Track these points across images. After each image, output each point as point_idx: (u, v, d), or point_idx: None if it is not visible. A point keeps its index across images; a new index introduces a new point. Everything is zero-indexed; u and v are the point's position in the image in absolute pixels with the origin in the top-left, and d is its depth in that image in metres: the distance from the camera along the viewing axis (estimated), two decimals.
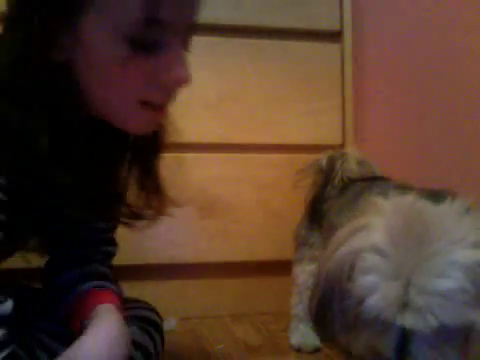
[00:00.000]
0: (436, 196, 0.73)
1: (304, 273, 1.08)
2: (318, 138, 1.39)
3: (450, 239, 0.59)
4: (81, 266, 0.85)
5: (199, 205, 1.33)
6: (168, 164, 1.31)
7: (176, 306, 1.30)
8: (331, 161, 1.04)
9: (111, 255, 0.92)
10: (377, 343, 0.62)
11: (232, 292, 1.35)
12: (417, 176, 1.20)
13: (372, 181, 0.95)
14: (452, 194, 0.76)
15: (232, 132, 1.36)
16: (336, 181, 1.00)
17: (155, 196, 0.83)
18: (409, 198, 0.66)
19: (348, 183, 0.99)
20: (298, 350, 1.08)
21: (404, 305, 0.58)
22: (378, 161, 1.09)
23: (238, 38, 1.37)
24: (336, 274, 0.65)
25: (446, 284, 0.57)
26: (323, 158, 1.06)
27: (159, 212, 0.84)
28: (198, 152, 1.34)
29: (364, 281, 0.61)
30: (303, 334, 1.10)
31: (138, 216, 0.82)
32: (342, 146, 1.36)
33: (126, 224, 0.83)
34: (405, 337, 0.60)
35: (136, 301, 0.93)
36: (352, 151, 1.05)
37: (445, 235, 0.59)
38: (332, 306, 0.66)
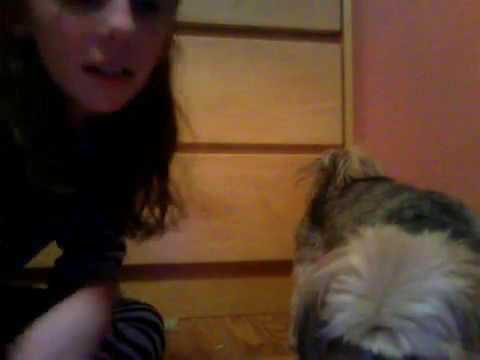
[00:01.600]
0: (421, 219, 0.74)
1: (305, 273, 1.07)
2: (318, 138, 1.39)
3: (428, 265, 0.58)
4: (84, 267, 0.84)
5: (199, 205, 1.33)
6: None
7: (176, 306, 1.30)
8: (333, 160, 1.03)
9: (119, 261, 0.91)
10: None
11: (232, 292, 1.34)
12: (418, 176, 1.20)
13: (374, 181, 0.95)
14: (451, 199, 0.77)
15: (232, 132, 1.36)
16: (338, 180, 1.00)
17: (165, 206, 0.82)
18: (391, 228, 0.66)
19: (350, 183, 0.99)
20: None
21: (375, 328, 0.55)
22: (378, 161, 1.08)
23: (237, 38, 1.37)
24: (311, 299, 0.63)
25: (422, 309, 0.55)
26: (325, 156, 1.06)
27: (173, 223, 0.84)
28: (198, 152, 1.34)
29: (335, 300, 0.59)
30: None
31: (145, 227, 0.82)
32: (342, 146, 1.36)
33: (133, 235, 0.83)
34: None
35: (136, 302, 0.93)
36: (355, 150, 1.04)
37: (423, 261, 0.58)
38: (307, 333, 0.64)
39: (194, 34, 1.31)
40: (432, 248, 0.60)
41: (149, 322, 0.89)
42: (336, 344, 0.60)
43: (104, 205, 0.78)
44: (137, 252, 1.28)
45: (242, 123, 1.36)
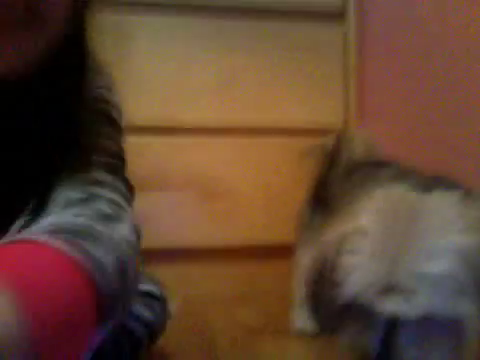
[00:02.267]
0: (432, 184, 0.72)
1: (307, 257, 1.07)
2: (320, 121, 1.38)
3: (441, 222, 0.57)
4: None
5: (200, 189, 1.32)
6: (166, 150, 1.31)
7: (177, 290, 1.29)
8: (337, 143, 1.02)
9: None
10: (361, 338, 0.59)
11: (234, 275, 1.34)
12: (423, 159, 1.19)
13: (379, 165, 0.94)
14: (453, 180, 0.76)
15: (233, 116, 1.35)
16: (342, 164, 0.99)
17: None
18: (401, 187, 0.65)
19: (354, 166, 0.98)
20: (301, 333, 1.08)
21: (388, 288, 0.54)
22: (382, 144, 1.07)
23: (237, 20, 1.35)
24: (322, 262, 0.63)
25: (437, 267, 0.54)
26: (329, 139, 1.05)
27: None
28: (198, 136, 1.33)
29: (347, 262, 0.58)
30: (306, 317, 1.09)
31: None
32: (345, 129, 1.35)
33: None
34: (390, 330, 0.56)
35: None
36: (359, 133, 1.03)
37: (436, 218, 0.57)
38: (320, 297, 0.64)
39: (192, 16, 1.29)
40: (444, 205, 0.59)
41: (152, 294, 0.87)
42: (349, 306, 0.59)
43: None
44: (140, 233, 1.29)
45: (243, 106, 1.35)
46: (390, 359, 0.57)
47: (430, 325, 0.56)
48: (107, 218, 0.56)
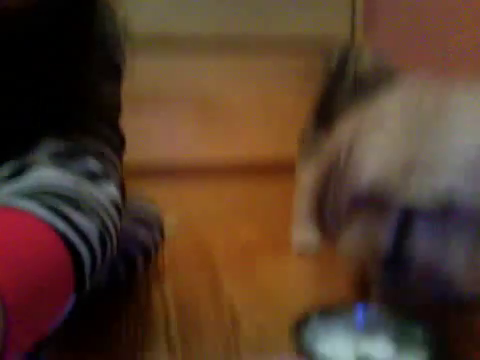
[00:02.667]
0: None
1: (309, 175, 1.04)
2: (325, 30, 1.30)
3: (471, 113, 0.53)
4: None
5: (198, 107, 1.28)
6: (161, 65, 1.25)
7: (176, 209, 1.28)
8: (343, 57, 0.96)
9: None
10: (371, 233, 0.56)
11: (233, 193, 1.33)
12: (432, 70, 1.13)
13: (388, 79, 0.88)
14: None
15: (231, 24, 1.27)
16: (348, 81, 0.93)
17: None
18: (420, 83, 0.60)
19: (361, 83, 0.92)
20: (300, 251, 1.08)
21: (408, 169, 0.51)
22: (390, 56, 1.01)
23: None
24: (335, 153, 0.59)
25: (462, 154, 0.51)
26: (334, 55, 0.98)
27: None
28: (194, 50, 1.27)
29: (362, 150, 0.54)
30: (306, 236, 1.09)
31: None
32: (351, 39, 1.28)
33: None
34: (404, 222, 0.53)
35: (134, 198, 0.89)
36: (367, 47, 0.96)
37: (465, 109, 0.54)
38: (327, 199, 0.61)
39: None
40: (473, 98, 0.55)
41: (149, 217, 0.87)
42: (360, 200, 0.56)
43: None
44: (136, 153, 1.26)
45: (241, 14, 1.27)
46: (402, 253, 0.54)
47: (448, 216, 0.53)
48: (94, 177, 0.55)
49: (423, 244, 0.53)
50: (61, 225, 0.45)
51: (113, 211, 0.55)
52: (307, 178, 1.05)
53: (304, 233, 1.08)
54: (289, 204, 1.11)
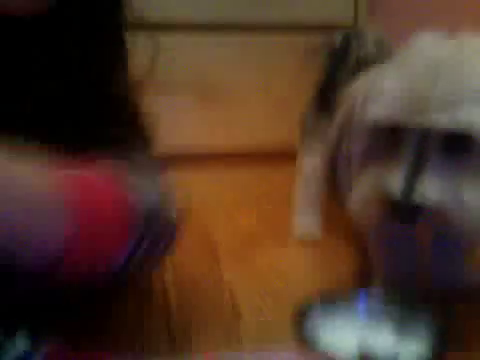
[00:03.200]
0: None
1: (310, 163, 1.03)
2: (327, 17, 1.28)
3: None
4: None
5: (197, 92, 1.26)
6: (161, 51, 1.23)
7: (176, 197, 1.27)
8: (346, 40, 0.95)
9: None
10: (382, 180, 0.54)
11: (234, 182, 1.32)
12: None
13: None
14: None
15: (232, 10, 1.25)
16: (350, 64, 0.92)
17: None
18: (433, 37, 0.60)
19: (364, 67, 0.90)
20: (300, 238, 1.07)
21: (425, 100, 0.50)
22: (394, 42, 1.00)
23: None
24: (348, 110, 0.58)
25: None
26: (337, 37, 0.96)
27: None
28: (195, 34, 1.25)
29: (380, 86, 0.54)
30: (306, 223, 1.08)
31: None
32: (354, 25, 1.26)
33: None
34: (417, 162, 0.51)
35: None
36: (369, 30, 0.95)
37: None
38: (340, 155, 0.60)
39: None
40: None
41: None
42: (373, 143, 0.56)
43: None
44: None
45: (243, 1, 1.25)
46: (414, 197, 0.52)
47: (463, 154, 0.51)
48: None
49: (436, 186, 0.51)
50: (133, 196, 0.57)
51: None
52: (308, 164, 1.04)
53: (305, 220, 1.08)
54: (290, 191, 1.10)
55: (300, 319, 0.64)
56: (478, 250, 0.83)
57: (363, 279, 0.86)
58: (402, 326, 0.65)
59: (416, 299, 0.68)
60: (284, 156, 1.19)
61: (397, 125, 0.53)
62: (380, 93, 0.53)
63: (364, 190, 0.57)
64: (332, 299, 0.67)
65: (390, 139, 0.54)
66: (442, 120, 0.50)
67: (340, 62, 0.95)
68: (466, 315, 0.75)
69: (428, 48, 0.55)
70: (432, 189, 0.51)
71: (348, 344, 0.59)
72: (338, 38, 0.96)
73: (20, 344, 0.51)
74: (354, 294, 0.68)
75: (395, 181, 0.52)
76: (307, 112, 1.05)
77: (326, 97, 0.97)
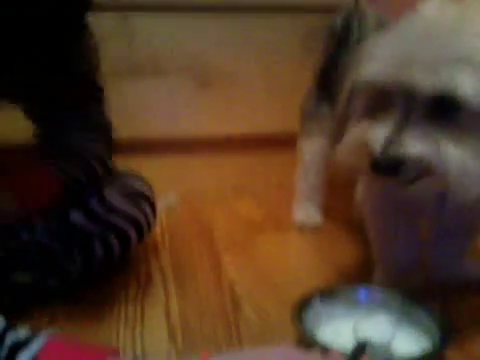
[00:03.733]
0: None
1: (311, 148, 1.01)
2: None
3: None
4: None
5: (196, 74, 1.24)
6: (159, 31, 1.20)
7: (176, 181, 1.26)
8: (346, 22, 0.92)
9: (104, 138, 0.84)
10: (368, 135, 0.55)
11: (234, 166, 1.30)
12: None
13: None
14: None
15: None
16: (351, 46, 0.89)
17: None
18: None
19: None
20: (301, 226, 1.06)
21: (413, 61, 0.52)
22: (395, 21, 0.97)
23: None
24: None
25: (469, 47, 0.50)
26: (337, 18, 0.94)
27: None
28: (193, 15, 1.22)
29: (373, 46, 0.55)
30: (306, 210, 1.07)
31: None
32: (356, 5, 1.22)
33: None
34: (402, 122, 0.53)
35: (126, 174, 0.88)
36: (370, 9, 0.92)
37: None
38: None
39: None
40: None
41: (140, 194, 0.85)
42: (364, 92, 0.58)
43: None
44: (133, 124, 1.23)
45: None
46: (397, 152, 0.53)
47: (449, 121, 0.52)
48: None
49: (416, 142, 0.52)
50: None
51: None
52: (309, 149, 1.02)
53: (306, 206, 1.06)
54: (291, 176, 1.09)
55: (300, 314, 0.62)
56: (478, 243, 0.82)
57: (364, 271, 0.85)
58: (402, 321, 0.64)
59: (416, 292, 0.66)
60: (285, 141, 1.17)
61: (386, 85, 0.54)
62: (374, 55, 0.55)
63: (350, 142, 0.58)
64: (332, 293, 0.66)
65: (382, 98, 0.56)
66: (425, 82, 0.50)
67: (341, 44, 0.92)
68: (464, 309, 0.74)
69: (428, 13, 0.55)
70: (412, 144, 0.52)
71: (348, 338, 0.58)
72: (339, 20, 0.94)
73: (21, 333, 0.50)
74: (355, 289, 0.66)
75: (378, 136, 0.53)
76: (308, 95, 1.03)
77: (327, 80, 0.95)
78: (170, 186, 1.22)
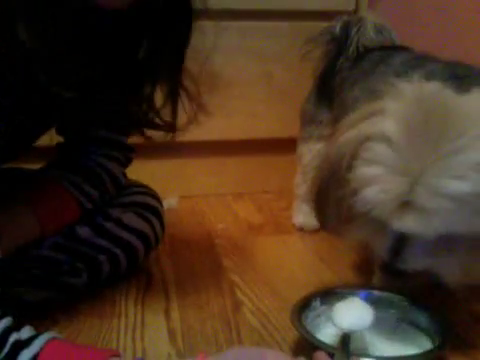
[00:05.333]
0: (463, 78, 0.65)
1: (310, 152, 1.02)
2: (328, 3, 1.25)
3: (474, 135, 0.51)
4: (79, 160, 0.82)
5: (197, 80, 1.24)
6: None
7: (177, 184, 1.26)
8: (345, 27, 0.93)
9: (124, 162, 0.87)
10: (371, 242, 0.58)
11: (234, 170, 1.31)
12: (439, 45, 1.09)
13: (392, 50, 0.85)
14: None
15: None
16: (350, 50, 0.90)
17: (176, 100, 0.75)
18: (435, 85, 0.57)
19: (364, 53, 0.89)
20: (300, 229, 1.07)
21: (406, 205, 0.51)
22: (395, 29, 0.98)
23: None
24: (337, 160, 0.58)
25: (461, 187, 0.49)
26: (336, 24, 0.95)
27: (190, 121, 0.79)
28: (193, 20, 1.22)
29: (364, 171, 0.54)
30: (306, 214, 1.07)
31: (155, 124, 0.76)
32: (355, 12, 1.23)
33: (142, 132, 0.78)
34: (401, 240, 0.55)
35: (134, 186, 0.89)
36: (370, 16, 0.93)
37: (469, 130, 0.51)
38: (329, 194, 0.62)
39: None
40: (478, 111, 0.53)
41: (147, 206, 0.85)
42: (362, 215, 0.57)
43: (110, 97, 0.71)
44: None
45: None
46: (399, 262, 0.56)
47: (446, 242, 0.54)
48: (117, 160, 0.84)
49: (419, 255, 0.55)
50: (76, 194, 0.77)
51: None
52: (308, 153, 1.02)
53: (305, 211, 1.06)
54: (290, 180, 1.09)
55: (300, 315, 0.63)
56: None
57: (363, 273, 0.85)
58: (401, 320, 0.65)
59: (416, 294, 0.67)
60: (284, 145, 1.18)
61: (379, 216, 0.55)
62: (367, 183, 0.54)
63: (358, 236, 0.61)
64: (332, 295, 0.66)
65: None
66: (420, 226, 0.51)
67: (341, 48, 0.93)
68: (464, 313, 0.75)
69: (420, 126, 0.53)
70: (413, 260, 0.55)
71: (346, 336, 0.58)
72: (338, 26, 0.95)
73: (24, 332, 0.52)
74: (355, 290, 0.67)
75: (381, 248, 0.57)
76: (307, 100, 1.04)
77: (327, 85, 0.96)
78: (171, 190, 1.22)
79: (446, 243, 0.54)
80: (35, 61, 0.56)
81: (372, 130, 0.55)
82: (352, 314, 0.58)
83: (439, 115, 0.52)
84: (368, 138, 0.55)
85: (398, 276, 0.57)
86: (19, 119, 0.67)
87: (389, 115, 0.55)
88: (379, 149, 0.53)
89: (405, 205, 0.51)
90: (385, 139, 0.53)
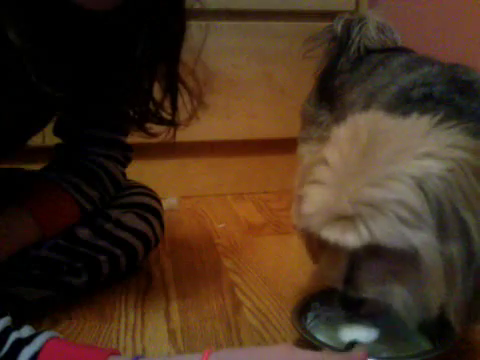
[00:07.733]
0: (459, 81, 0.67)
1: (310, 154, 1.02)
2: (328, 3, 1.25)
3: (397, 148, 0.53)
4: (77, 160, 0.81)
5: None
6: None
7: (177, 185, 1.26)
8: (347, 27, 0.93)
9: (123, 161, 0.86)
10: (326, 275, 0.60)
11: (234, 170, 1.31)
12: (439, 46, 1.09)
13: (392, 52, 0.85)
14: (476, 75, 0.70)
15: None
16: (352, 51, 0.90)
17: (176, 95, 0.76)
18: (378, 114, 0.62)
19: (365, 54, 0.89)
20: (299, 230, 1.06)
21: (334, 215, 0.53)
22: (396, 28, 0.97)
23: None
24: (297, 189, 0.63)
25: (381, 194, 0.51)
26: (338, 23, 0.94)
27: (191, 116, 0.80)
28: (194, 19, 1.22)
29: (305, 191, 0.58)
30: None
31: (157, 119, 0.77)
32: (356, 11, 1.23)
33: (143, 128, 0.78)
34: (353, 268, 0.57)
35: (134, 186, 0.89)
36: (371, 15, 0.92)
37: (393, 145, 0.54)
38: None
39: None
40: (412, 131, 0.56)
41: (147, 207, 0.86)
42: (302, 232, 0.62)
43: (109, 94, 0.72)
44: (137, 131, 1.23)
45: None
46: (355, 293, 0.57)
47: (387, 259, 0.55)
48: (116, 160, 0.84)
49: (371, 287, 0.56)
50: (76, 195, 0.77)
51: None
52: (308, 158, 1.02)
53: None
54: (290, 183, 1.09)
55: (300, 314, 0.63)
56: None
57: None
58: (400, 322, 0.64)
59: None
60: (285, 146, 1.18)
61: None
62: (304, 201, 0.57)
63: (322, 270, 0.63)
64: (332, 295, 0.66)
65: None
66: (347, 237, 0.52)
67: (341, 49, 0.93)
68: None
69: (351, 148, 0.56)
70: (365, 289, 0.56)
71: (347, 339, 0.58)
72: (340, 26, 0.94)
73: (24, 331, 0.52)
74: None
75: (336, 278, 0.58)
76: (308, 101, 1.04)
77: (327, 86, 0.96)
78: (171, 190, 1.22)
79: (393, 270, 0.55)
80: (26, 61, 0.56)
81: (318, 156, 0.59)
82: (358, 328, 0.60)
83: (367, 135, 0.55)
84: (313, 164, 0.59)
85: (356, 306, 0.57)
86: (10, 116, 0.66)
87: (331, 141, 0.59)
88: (318, 171, 0.57)
89: (333, 216, 0.53)
90: (324, 162, 0.56)
